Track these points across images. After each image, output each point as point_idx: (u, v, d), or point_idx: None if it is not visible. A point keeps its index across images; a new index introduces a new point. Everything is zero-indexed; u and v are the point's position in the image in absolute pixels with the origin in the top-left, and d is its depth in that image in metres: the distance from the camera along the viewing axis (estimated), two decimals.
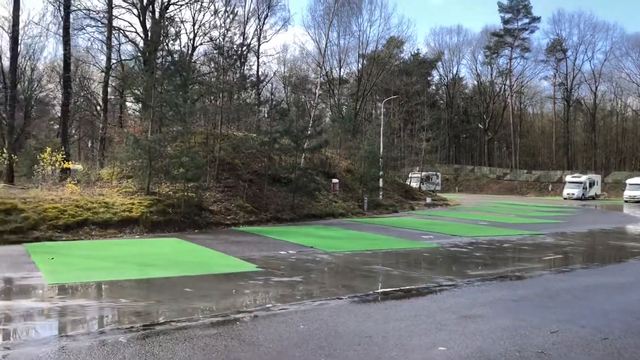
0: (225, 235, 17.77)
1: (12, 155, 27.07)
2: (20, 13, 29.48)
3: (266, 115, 33.25)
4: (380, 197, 32.53)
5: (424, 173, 53.42)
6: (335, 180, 29.71)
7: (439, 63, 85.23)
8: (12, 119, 30.73)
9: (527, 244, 17.17)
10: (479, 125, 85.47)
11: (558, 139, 79.60)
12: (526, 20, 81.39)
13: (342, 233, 19.16)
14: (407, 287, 9.58)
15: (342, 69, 62.73)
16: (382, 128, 38.92)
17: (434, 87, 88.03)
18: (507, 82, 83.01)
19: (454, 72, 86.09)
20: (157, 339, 6.08)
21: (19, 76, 38.41)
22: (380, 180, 32.73)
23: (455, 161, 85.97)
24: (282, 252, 13.83)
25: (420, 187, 48.52)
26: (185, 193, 19.80)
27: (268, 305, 8.06)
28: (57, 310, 7.75)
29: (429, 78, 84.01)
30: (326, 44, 45.76)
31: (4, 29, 38.88)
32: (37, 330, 7.02)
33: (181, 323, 6.79)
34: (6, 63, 41.40)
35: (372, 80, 59.45)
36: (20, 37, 34.11)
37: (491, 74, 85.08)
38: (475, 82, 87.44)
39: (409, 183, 47.41)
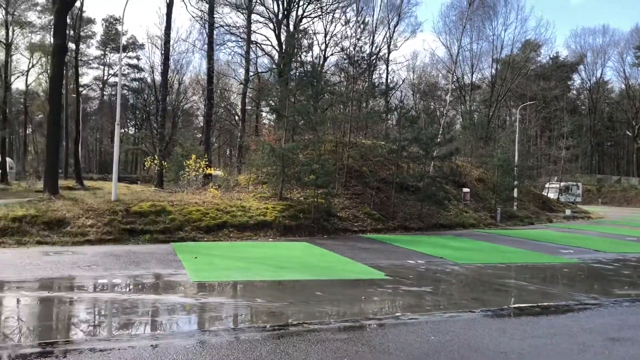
0: (352, 241, 17.99)
1: (162, 161, 29.73)
2: (170, 32, 32.38)
3: (394, 123, 33.26)
4: (515, 208, 30.99)
5: (562, 183, 49.98)
6: (466, 190, 28.86)
7: (581, 66, 79.37)
8: (162, 128, 33.77)
9: None
10: (627, 132, 78.17)
11: None
12: None
13: (473, 244, 18.54)
14: (545, 304, 9.04)
15: (474, 75, 60.94)
16: (517, 135, 37.11)
17: (574, 92, 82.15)
18: None
19: (598, 75, 79.44)
20: (290, 340, 6.33)
21: (168, 89, 42.08)
22: (515, 190, 31.19)
23: (598, 171, 79.40)
24: (411, 262, 13.71)
25: (558, 198, 45.50)
26: (315, 199, 20.37)
27: (397, 314, 8.05)
28: (200, 306, 8.35)
29: (569, 82, 78.53)
30: (458, 49, 44.89)
31: (156, 47, 42.85)
32: (182, 323, 7.62)
33: (313, 325, 7.01)
34: (157, 77, 45.65)
35: (506, 85, 57.01)
36: (170, 54, 37.42)
37: None
38: (623, 86, 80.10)
39: (546, 194, 44.67)
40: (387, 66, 50.19)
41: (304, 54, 31.42)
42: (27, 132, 70.38)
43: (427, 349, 6.13)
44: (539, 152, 59.26)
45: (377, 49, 47.14)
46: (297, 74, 26.74)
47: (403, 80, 60.25)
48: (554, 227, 27.64)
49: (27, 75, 57.67)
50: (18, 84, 60.97)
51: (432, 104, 66.84)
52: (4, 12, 43.46)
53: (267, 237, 17.78)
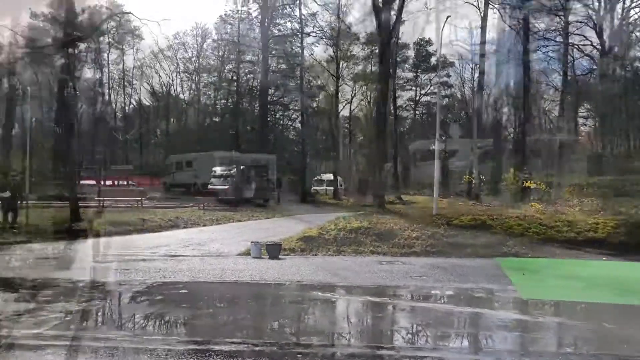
0: None
1: (481, 176, 29.97)
2: (485, 45, 32.70)
3: None
4: None
5: None
6: None
7: None
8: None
9: None
10: None
11: None
12: None
13: None
14: None
15: None
16: None
17: None
18: None
19: None
20: None
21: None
22: None
23: None
24: None
25: None
26: None
27: None
28: (535, 325, 7.99)
29: None
30: None
31: (466, 62, 43.55)
32: (516, 342, 7.34)
33: None
34: (467, 92, 46.37)
35: None
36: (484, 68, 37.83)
37: None
38: None
39: None
40: None
41: (635, 48, 27.71)
42: (350, 152, 79.18)
43: None
44: None
45: None
46: (623, 72, 23.79)
47: None
48: None
49: (350, 103, 65.15)
50: (343, 111, 69.20)
51: None
52: (334, 48, 49.95)
53: (599, 255, 16.06)
